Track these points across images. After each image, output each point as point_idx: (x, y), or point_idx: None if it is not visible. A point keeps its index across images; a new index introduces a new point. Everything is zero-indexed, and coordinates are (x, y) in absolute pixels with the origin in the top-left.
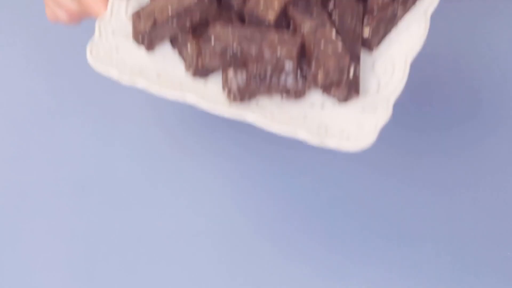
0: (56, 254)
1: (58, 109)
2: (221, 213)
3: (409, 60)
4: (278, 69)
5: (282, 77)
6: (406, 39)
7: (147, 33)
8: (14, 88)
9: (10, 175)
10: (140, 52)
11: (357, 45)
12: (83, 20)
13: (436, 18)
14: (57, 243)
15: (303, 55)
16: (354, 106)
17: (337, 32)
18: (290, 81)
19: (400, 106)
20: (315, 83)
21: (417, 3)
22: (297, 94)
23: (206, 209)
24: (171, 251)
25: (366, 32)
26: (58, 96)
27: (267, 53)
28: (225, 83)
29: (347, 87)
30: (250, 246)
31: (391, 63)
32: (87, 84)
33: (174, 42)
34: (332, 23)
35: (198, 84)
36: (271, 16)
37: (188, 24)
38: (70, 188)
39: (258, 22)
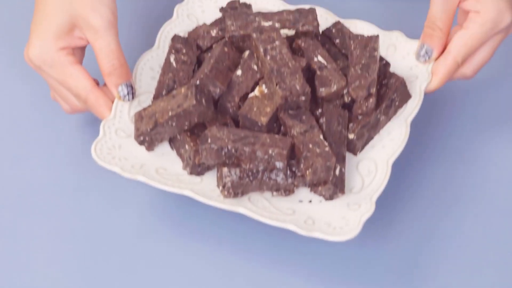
0: (54, 253)
1: (57, 110)
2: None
3: (391, 162)
4: (270, 168)
5: (273, 176)
6: (388, 143)
7: (148, 133)
8: (15, 88)
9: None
10: (140, 149)
11: (343, 147)
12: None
13: None
14: (56, 242)
15: (293, 156)
16: (339, 202)
17: (324, 135)
18: (280, 179)
19: None
20: (303, 181)
21: (398, 112)
22: (287, 191)
23: None
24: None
25: (351, 136)
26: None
27: (259, 153)
28: (220, 179)
29: (333, 185)
30: None
31: (374, 165)
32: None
33: (172, 142)
34: (320, 127)
35: (195, 179)
36: (263, 119)
37: (186, 125)
38: (68, 188)
39: (251, 125)
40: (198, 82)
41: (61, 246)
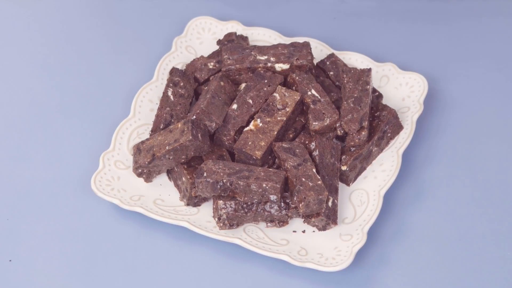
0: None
1: (59, 110)
2: None
3: (382, 193)
4: (264, 201)
5: (267, 208)
6: (380, 174)
7: (146, 166)
8: (17, 88)
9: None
10: (139, 180)
11: (336, 179)
12: None
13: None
14: (56, 243)
15: (287, 189)
16: (332, 233)
17: (317, 168)
18: (274, 211)
19: None
20: (297, 212)
21: (390, 143)
22: (281, 222)
23: None
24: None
25: (344, 168)
26: (60, 97)
27: (254, 187)
28: (216, 211)
29: (325, 217)
30: None
31: (366, 195)
32: (90, 85)
33: (170, 173)
34: (313, 160)
35: (191, 210)
36: (258, 153)
37: (183, 158)
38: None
39: (246, 158)
40: (194, 117)
41: (60, 245)
